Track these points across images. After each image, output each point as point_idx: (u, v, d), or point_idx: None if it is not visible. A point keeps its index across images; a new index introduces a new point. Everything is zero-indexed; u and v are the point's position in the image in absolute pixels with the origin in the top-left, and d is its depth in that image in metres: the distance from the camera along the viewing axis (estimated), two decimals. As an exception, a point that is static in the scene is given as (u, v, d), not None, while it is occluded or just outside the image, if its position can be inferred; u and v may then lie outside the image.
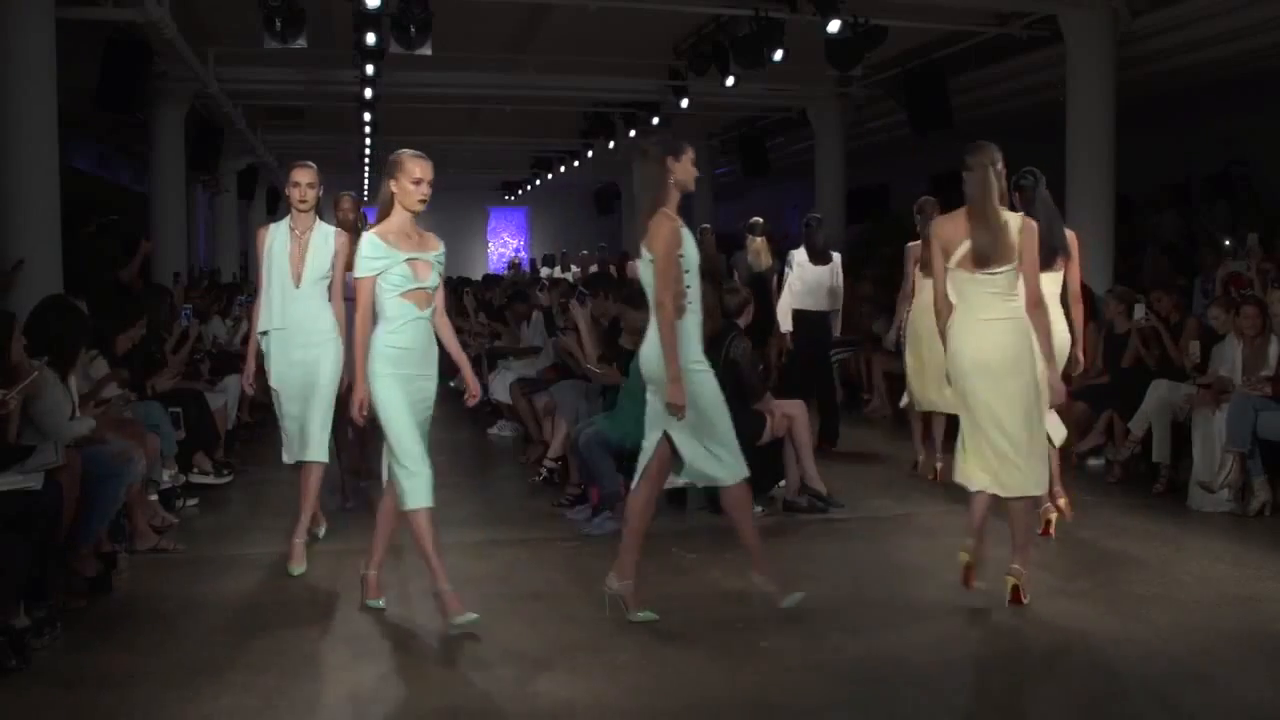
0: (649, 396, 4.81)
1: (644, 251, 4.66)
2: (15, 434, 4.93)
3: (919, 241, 7.61)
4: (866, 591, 5.24)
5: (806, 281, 8.71)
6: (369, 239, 4.66)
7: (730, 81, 11.51)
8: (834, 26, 9.80)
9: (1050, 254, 5.85)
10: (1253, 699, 4.01)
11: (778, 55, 10.26)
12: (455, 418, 11.55)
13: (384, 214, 4.73)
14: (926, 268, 7.11)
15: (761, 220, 10.52)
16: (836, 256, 8.99)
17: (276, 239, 5.64)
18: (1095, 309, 8.75)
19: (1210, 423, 6.77)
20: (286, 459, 5.78)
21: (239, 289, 13.52)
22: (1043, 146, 10.82)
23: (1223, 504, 6.64)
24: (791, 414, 6.83)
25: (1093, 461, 8.03)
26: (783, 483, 6.91)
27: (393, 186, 4.68)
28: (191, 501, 7.08)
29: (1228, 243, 9.89)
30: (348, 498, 6.98)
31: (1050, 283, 5.74)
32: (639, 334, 6.85)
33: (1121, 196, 10.73)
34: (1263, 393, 6.64)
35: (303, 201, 5.61)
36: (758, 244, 10.21)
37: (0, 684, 4.11)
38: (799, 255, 8.93)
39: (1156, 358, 7.87)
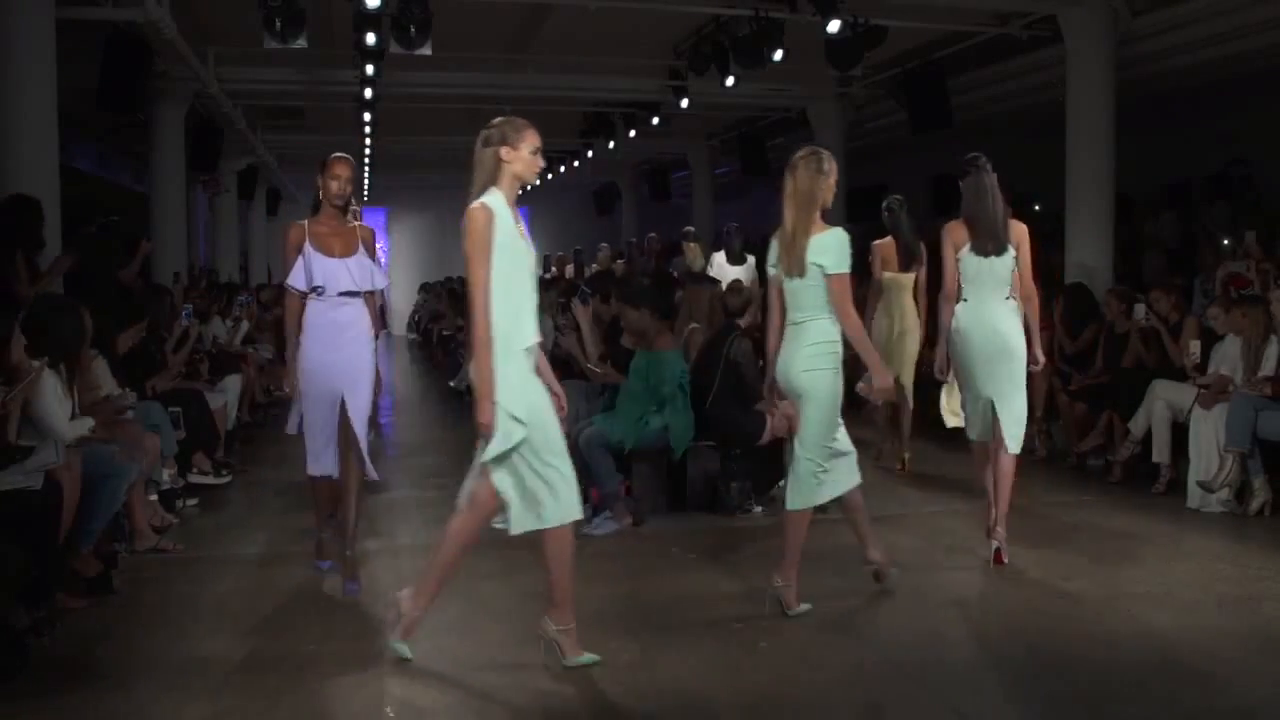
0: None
1: (1011, 249, 5.51)
2: (15, 434, 4.93)
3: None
4: (866, 591, 5.23)
5: (726, 279, 9.70)
6: (846, 235, 4.71)
7: (730, 81, 11.50)
8: (834, 26, 9.79)
9: (908, 259, 8.04)
10: (1253, 699, 4.01)
11: (778, 55, 10.25)
12: (455, 417, 11.57)
13: (815, 208, 4.72)
14: None
15: (694, 229, 13.37)
16: (751, 259, 10.65)
17: (505, 222, 4.12)
18: (1095, 309, 8.77)
19: (1210, 423, 6.77)
20: (518, 527, 4.20)
21: (239, 289, 13.53)
22: (1043, 146, 10.83)
23: (1223, 504, 6.65)
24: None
25: (1093, 461, 8.04)
26: (783, 483, 6.91)
27: (826, 185, 4.74)
28: (191, 501, 7.09)
29: (1226, 242, 9.89)
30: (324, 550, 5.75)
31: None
32: (639, 334, 6.91)
33: (1121, 196, 10.72)
34: (1262, 393, 6.64)
35: (534, 172, 4.25)
36: (693, 248, 12.31)
37: (0, 684, 4.11)
38: (719, 257, 10.87)
39: (1156, 358, 7.88)
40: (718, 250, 11.22)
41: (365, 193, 22.18)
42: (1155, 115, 12.43)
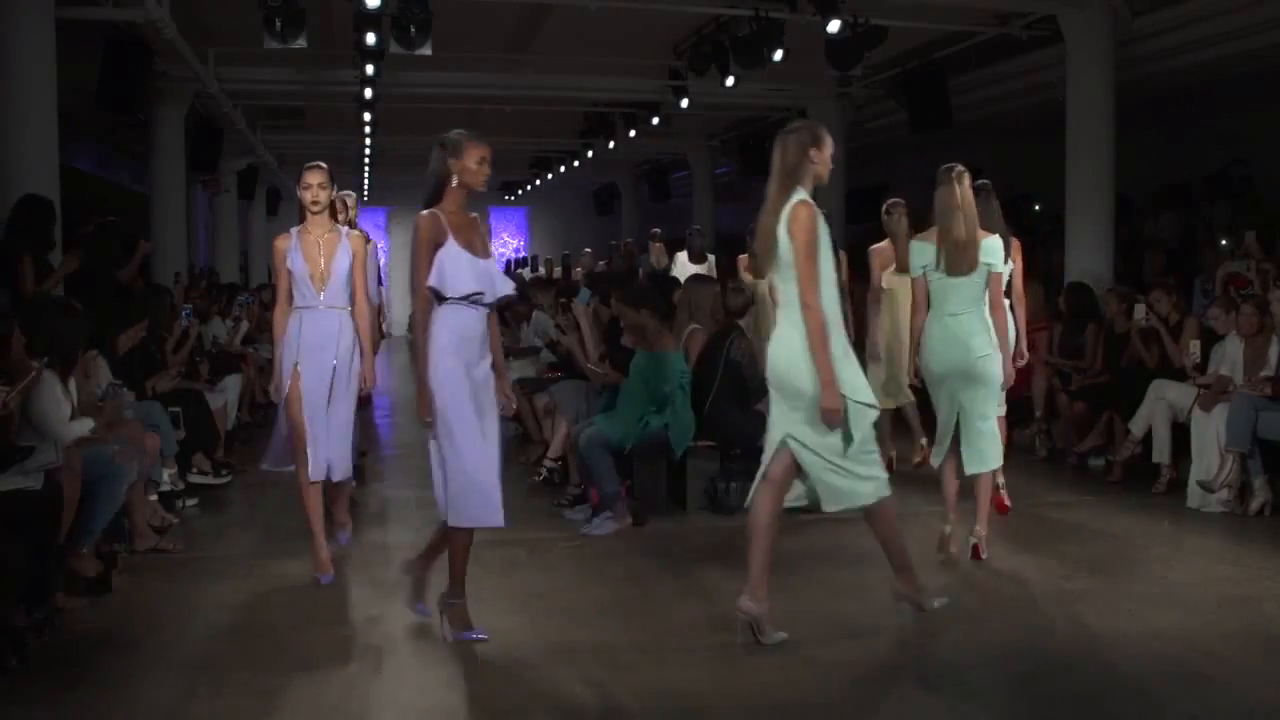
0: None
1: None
2: (14, 434, 4.93)
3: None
4: (867, 591, 5.23)
5: (686, 276, 10.18)
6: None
7: (730, 81, 11.50)
8: (834, 26, 9.79)
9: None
10: (1253, 699, 4.01)
11: (778, 55, 10.25)
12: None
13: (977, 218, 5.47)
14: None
15: (659, 230, 13.91)
16: (711, 257, 11.64)
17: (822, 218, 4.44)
18: (1095, 308, 8.77)
19: (1210, 423, 6.77)
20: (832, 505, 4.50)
21: (239, 289, 13.53)
22: (1043, 146, 10.83)
23: (1223, 504, 6.65)
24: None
25: (1093, 461, 8.04)
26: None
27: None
28: (191, 501, 7.09)
29: (1224, 243, 9.89)
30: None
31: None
32: (639, 334, 6.91)
33: (1121, 196, 10.71)
34: (1263, 393, 6.64)
35: (828, 173, 4.51)
36: (657, 248, 13.20)
37: (0, 684, 4.11)
38: (682, 256, 11.67)
39: (1156, 358, 7.88)
40: (680, 250, 11.93)
41: (365, 193, 22.16)
42: (1155, 115, 12.43)
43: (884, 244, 8.00)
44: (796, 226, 4.27)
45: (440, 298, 4.42)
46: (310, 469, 5.36)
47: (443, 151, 4.52)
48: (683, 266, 11.36)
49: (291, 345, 5.38)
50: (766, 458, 4.48)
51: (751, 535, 4.44)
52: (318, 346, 5.36)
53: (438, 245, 4.43)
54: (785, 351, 4.37)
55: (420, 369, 4.43)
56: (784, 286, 4.38)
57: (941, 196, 5.45)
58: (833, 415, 4.28)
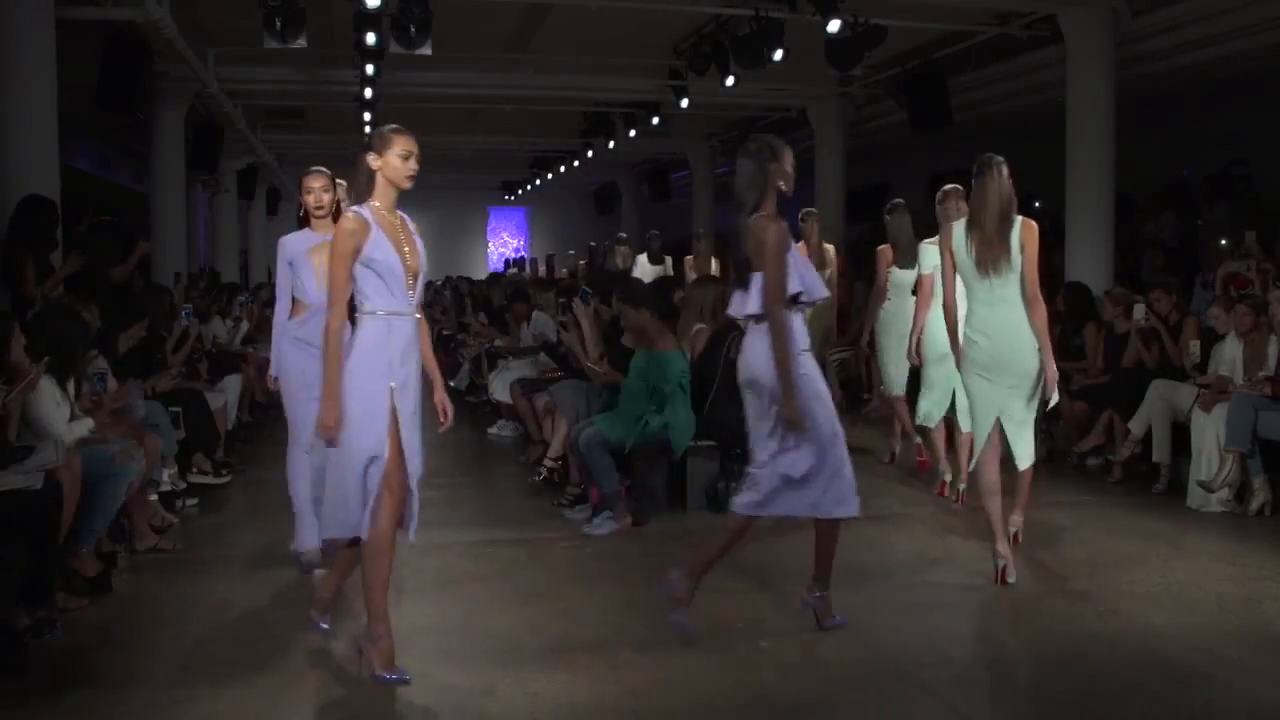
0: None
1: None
2: (14, 434, 4.93)
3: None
4: (866, 591, 5.23)
5: (645, 276, 11.06)
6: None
7: (730, 81, 11.51)
8: (834, 26, 9.79)
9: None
10: (1253, 699, 4.02)
11: (778, 55, 10.25)
12: (455, 417, 11.55)
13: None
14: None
15: (625, 235, 15.60)
16: (669, 259, 12.83)
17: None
18: (1093, 308, 8.77)
19: (1210, 423, 6.77)
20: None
21: (239, 289, 13.53)
22: (1043, 146, 10.83)
23: (1223, 504, 6.65)
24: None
25: (1093, 461, 8.04)
26: (783, 483, 6.91)
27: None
28: (191, 501, 7.09)
29: (1224, 242, 9.89)
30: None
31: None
32: (639, 334, 6.91)
33: (1121, 196, 10.72)
34: (1263, 392, 6.64)
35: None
36: (623, 251, 14.42)
37: (0, 684, 4.11)
38: (641, 258, 12.93)
39: (1156, 358, 7.88)
40: (641, 252, 13.07)
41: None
42: (1155, 115, 12.44)
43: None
44: (1032, 241, 5.09)
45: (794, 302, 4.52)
46: (411, 526, 4.22)
47: (761, 155, 4.70)
48: (642, 268, 12.31)
49: (379, 361, 4.02)
50: (981, 434, 5.27)
51: (989, 494, 5.24)
52: (407, 365, 4.11)
53: (788, 251, 4.49)
54: (1010, 337, 5.15)
55: (786, 373, 4.47)
56: (1003, 287, 5.15)
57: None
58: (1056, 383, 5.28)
